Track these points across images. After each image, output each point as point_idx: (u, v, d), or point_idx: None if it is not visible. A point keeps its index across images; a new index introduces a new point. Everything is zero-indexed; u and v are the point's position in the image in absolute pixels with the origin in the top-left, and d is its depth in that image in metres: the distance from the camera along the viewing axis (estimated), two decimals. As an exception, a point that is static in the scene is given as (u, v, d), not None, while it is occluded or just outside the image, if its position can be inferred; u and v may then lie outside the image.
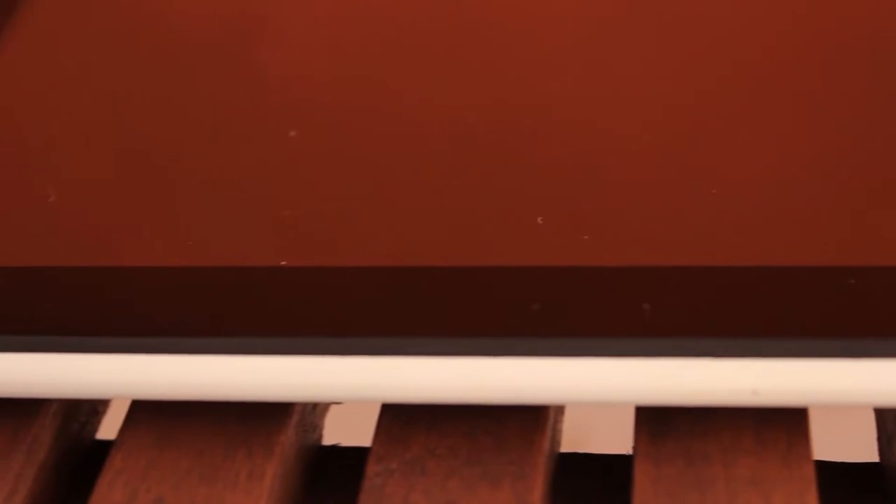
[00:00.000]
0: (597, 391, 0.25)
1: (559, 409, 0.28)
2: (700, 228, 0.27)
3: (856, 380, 0.25)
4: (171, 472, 0.26)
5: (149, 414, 0.27)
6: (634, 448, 0.26)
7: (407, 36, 0.31)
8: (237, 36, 0.31)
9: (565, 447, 0.28)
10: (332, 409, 0.30)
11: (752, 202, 0.27)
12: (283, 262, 0.27)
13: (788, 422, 0.26)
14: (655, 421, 0.26)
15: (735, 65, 0.29)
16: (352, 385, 0.26)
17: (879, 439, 0.28)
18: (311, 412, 0.28)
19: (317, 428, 0.29)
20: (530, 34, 0.30)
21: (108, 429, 0.29)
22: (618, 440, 0.27)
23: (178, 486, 0.26)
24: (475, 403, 0.26)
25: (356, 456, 0.28)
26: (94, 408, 0.29)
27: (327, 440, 0.29)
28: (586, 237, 0.27)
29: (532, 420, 0.27)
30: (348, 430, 0.30)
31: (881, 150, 0.27)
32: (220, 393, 0.26)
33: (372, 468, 0.26)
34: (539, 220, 0.27)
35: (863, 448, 0.29)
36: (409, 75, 0.30)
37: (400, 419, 0.27)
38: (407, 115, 0.29)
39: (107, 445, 0.27)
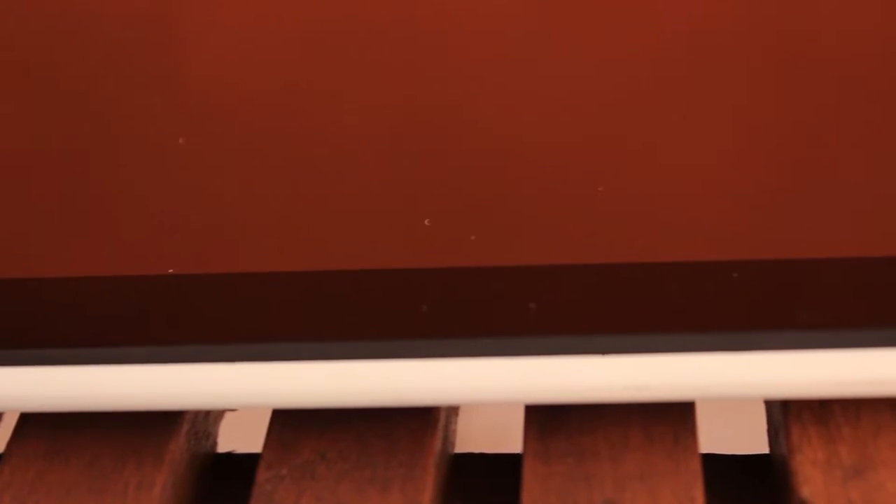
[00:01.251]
0: (485, 391, 0.25)
1: (452, 410, 0.28)
2: (585, 227, 0.27)
3: (740, 373, 0.25)
4: (60, 485, 0.26)
5: (38, 426, 0.27)
6: (524, 446, 0.26)
7: (302, 43, 0.31)
8: (141, 42, 0.31)
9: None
10: (230, 415, 0.30)
11: (636, 200, 0.27)
12: (170, 270, 0.27)
13: (676, 416, 0.26)
14: (545, 419, 0.26)
15: (625, 69, 0.29)
16: (240, 391, 0.26)
17: (769, 431, 0.28)
18: (204, 420, 0.28)
19: (210, 435, 0.28)
20: (426, 38, 0.30)
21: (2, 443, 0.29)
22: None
23: (66, 499, 0.26)
24: (365, 406, 0.26)
25: (252, 462, 0.28)
26: (-16, 422, 0.29)
27: (224, 447, 0.29)
28: (473, 238, 0.27)
29: (423, 422, 0.27)
30: (249, 437, 0.30)
31: (762, 149, 0.28)
32: (109, 403, 0.26)
33: (262, 475, 0.26)
34: (426, 222, 0.27)
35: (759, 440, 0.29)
36: (301, 82, 0.30)
37: (291, 424, 0.27)
38: (295, 120, 0.29)
39: (-2, 459, 0.27)
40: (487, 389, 0.25)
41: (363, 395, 0.26)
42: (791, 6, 0.29)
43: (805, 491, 0.25)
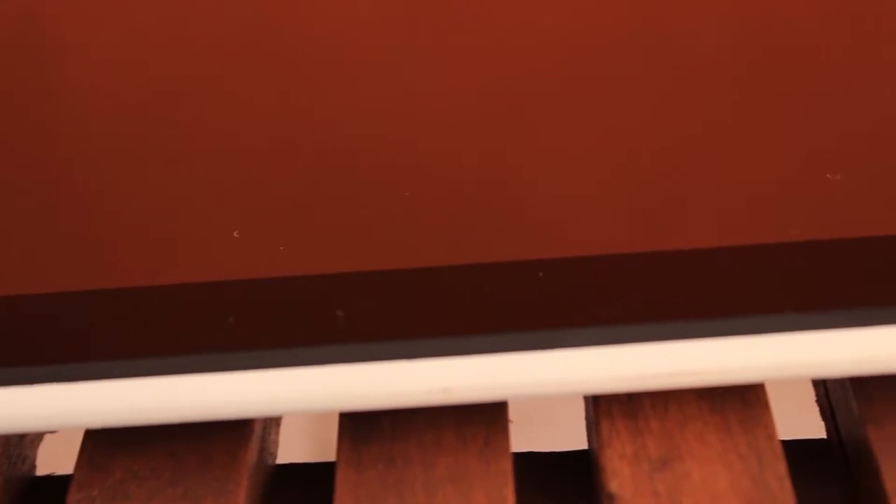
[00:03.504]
0: (294, 401, 0.25)
1: (272, 421, 0.28)
2: (389, 232, 0.27)
3: (545, 371, 0.25)
4: None
5: None
6: (337, 455, 0.26)
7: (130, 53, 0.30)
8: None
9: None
10: (55, 437, 0.29)
11: (440, 203, 0.27)
12: None
13: (487, 417, 0.26)
14: (358, 426, 0.26)
15: (463, 75, 0.29)
16: (46, 413, 0.25)
17: (587, 427, 0.28)
18: (19, 443, 0.28)
19: (27, 459, 0.28)
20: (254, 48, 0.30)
21: None
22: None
23: None
24: (178, 422, 0.26)
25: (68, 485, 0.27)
26: None
27: (48, 469, 0.29)
28: (282, 248, 0.27)
29: (237, 435, 0.26)
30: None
31: (572, 153, 0.28)
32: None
33: (73, 497, 0.26)
34: (235, 233, 0.27)
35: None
36: (129, 96, 0.30)
37: (103, 444, 0.26)
38: (109, 133, 0.29)
39: None
40: (297, 399, 0.25)
41: (174, 411, 0.25)
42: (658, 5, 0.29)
43: (613, 485, 0.25)
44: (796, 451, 0.28)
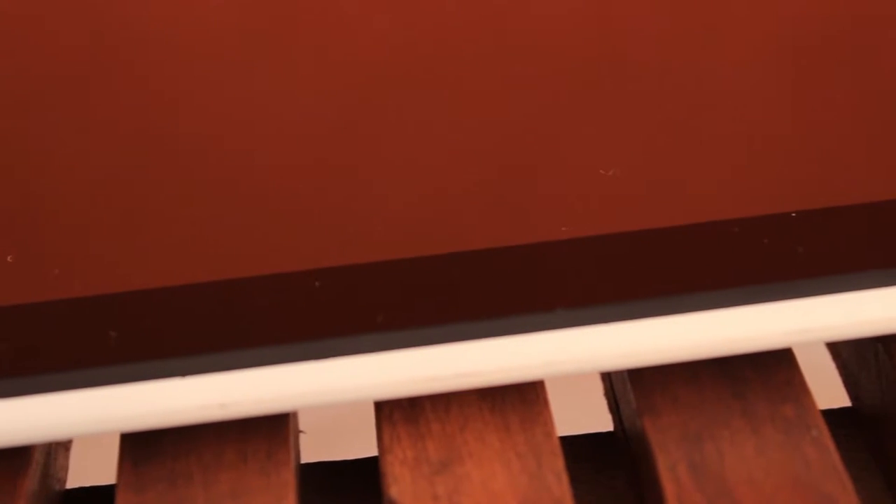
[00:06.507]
0: (67, 425, 0.25)
1: (60, 446, 0.28)
2: (161, 249, 0.26)
3: (322, 380, 0.25)
4: None
5: None
6: (118, 478, 0.26)
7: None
8: None
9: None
10: None
11: (217, 216, 0.27)
12: None
13: (270, 431, 0.26)
14: (139, 446, 0.26)
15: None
16: None
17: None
18: None
19: None
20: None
21: None
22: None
23: None
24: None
25: None
26: None
27: None
28: (56, 271, 0.26)
29: (15, 463, 0.26)
30: None
31: (338, 161, 0.28)
32: None
33: None
34: (9, 258, 0.27)
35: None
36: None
37: None
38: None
39: None
40: (70, 423, 0.25)
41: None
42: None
43: (393, 491, 0.25)
44: (586, 444, 0.28)
